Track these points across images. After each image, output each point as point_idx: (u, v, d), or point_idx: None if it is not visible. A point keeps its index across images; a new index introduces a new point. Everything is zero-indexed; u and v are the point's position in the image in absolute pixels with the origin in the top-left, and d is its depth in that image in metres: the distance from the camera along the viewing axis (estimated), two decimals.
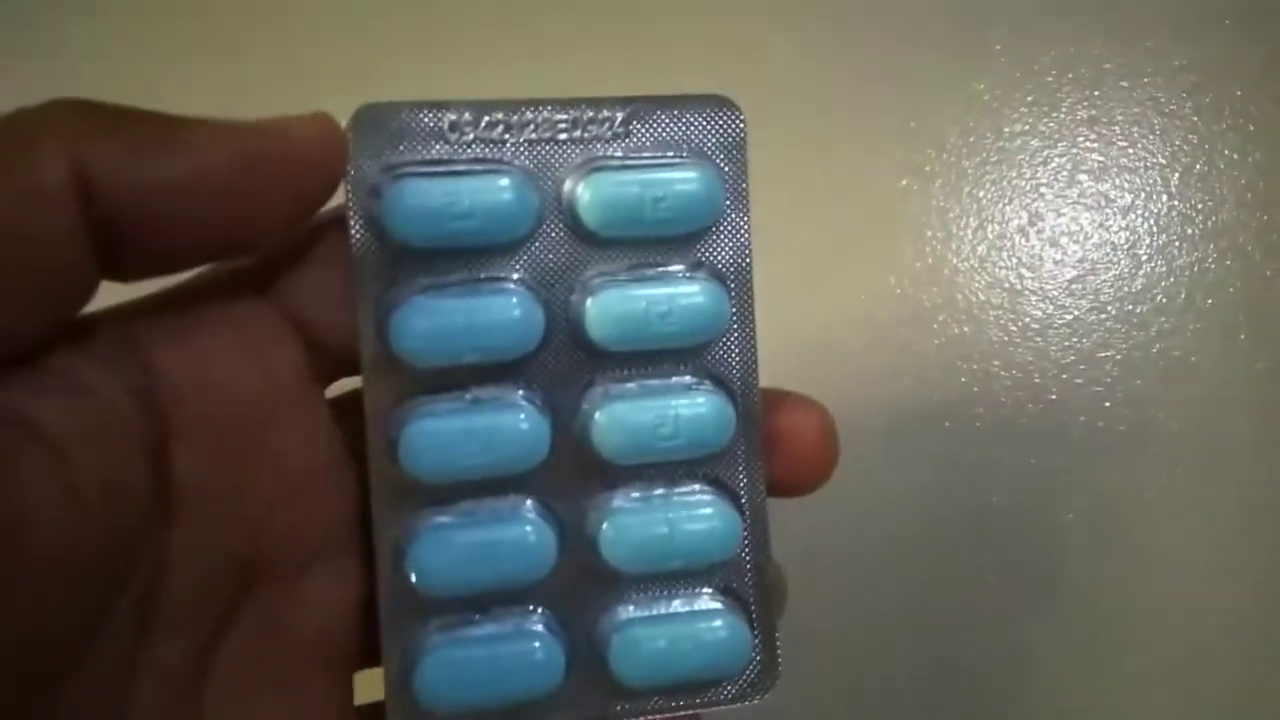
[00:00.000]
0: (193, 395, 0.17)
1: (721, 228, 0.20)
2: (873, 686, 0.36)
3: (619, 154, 0.20)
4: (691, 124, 0.20)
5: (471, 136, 0.19)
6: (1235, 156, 0.37)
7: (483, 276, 0.19)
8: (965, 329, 0.37)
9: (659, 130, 0.20)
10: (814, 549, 0.35)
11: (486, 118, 0.19)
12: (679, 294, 0.20)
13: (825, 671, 0.35)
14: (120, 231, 0.15)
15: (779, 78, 0.38)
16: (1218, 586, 0.36)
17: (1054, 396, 0.37)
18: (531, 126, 0.19)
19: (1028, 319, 0.37)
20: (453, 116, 0.19)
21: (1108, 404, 0.37)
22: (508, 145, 0.19)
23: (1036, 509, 0.36)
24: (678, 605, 0.21)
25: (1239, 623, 0.36)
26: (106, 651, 0.16)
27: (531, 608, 0.20)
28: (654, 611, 0.20)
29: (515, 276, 0.19)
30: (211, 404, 0.17)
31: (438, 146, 0.19)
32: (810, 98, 0.38)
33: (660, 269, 0.20)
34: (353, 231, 0.19)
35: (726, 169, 0.20)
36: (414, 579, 0.19)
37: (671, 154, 0.20)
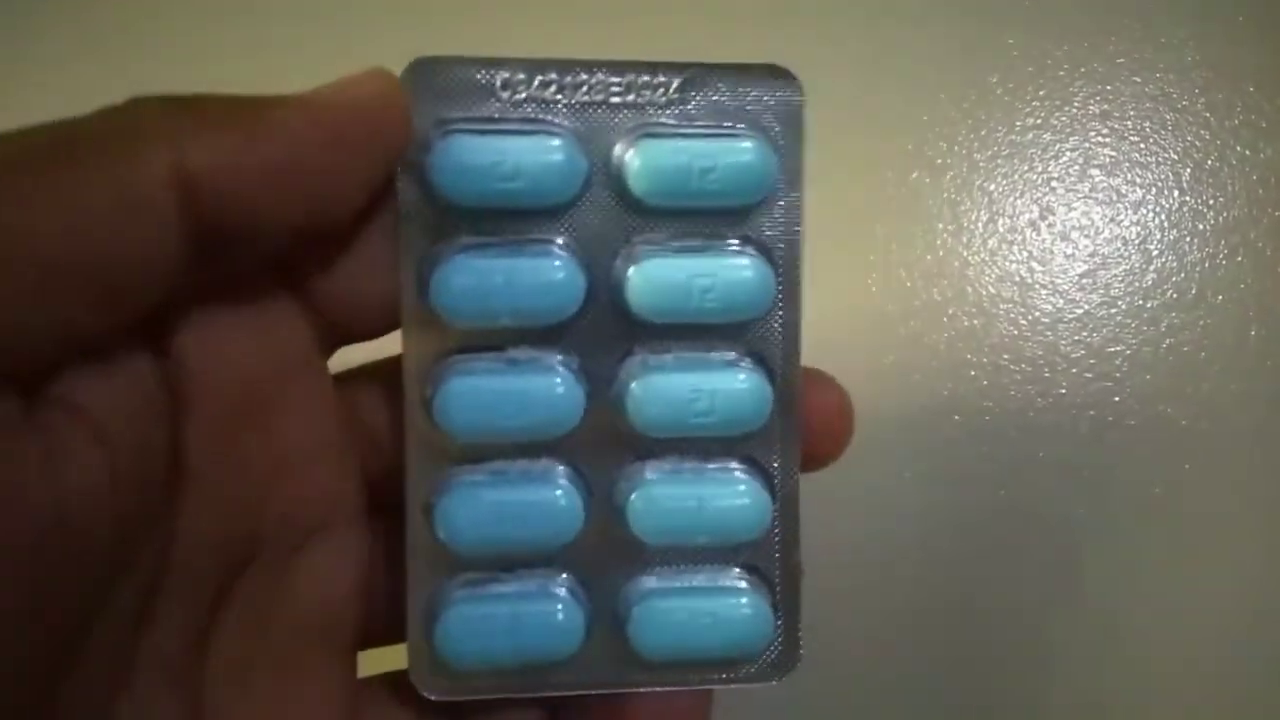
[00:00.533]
0: (204, 373, 0.17)
1: (774, 203, 0.20)
2: (877, 679, 0.36)
3: (671, 121, 0.19)
4: (748, 95, 0.19)
5: (524, 95, 0.19)
6: (1247, 153, 0.38)
7: (526, 238, 0.19)
8: (975, 322, 0.37)
9: (714, 99, 0.19)
10: (819, 541, 0.35)
11: (540, 77, 0.19)
12: (724, 268, 0.19)
13: (833, 665, 0.35)
14: (211, 226, 0.15)
15: (790, 69, 0.37)
16: (1226, 582, 0.36)
17: (1064, 391, 0.37)
18: (585, 88, 0.19)
19: (1038, 313, 0.37)
20: (505, 74, 0.19)
21: (1117, 399, 0.37)
22: (560, 106, 0.19)
23: (1044, 503, 0.36)
24: (701, 580, 0.20)
25: (1247, 618, 0.36)
26: (106, 638, 0.16)
27: (556, 571, 0.20)
28: (677, 584, 0.20)
29: (559, 240, 0.19)
30: (221, 382, 0.17)
31: (489, 104, 0.18)
32: (821, 89, 0.37)
33: (707, 241, 0.20)
34: (400, 186, 0.18)
35: (782, 143, 0.20)
36: (442, 534, 0.19)
37: (727, 124, 0.19)
